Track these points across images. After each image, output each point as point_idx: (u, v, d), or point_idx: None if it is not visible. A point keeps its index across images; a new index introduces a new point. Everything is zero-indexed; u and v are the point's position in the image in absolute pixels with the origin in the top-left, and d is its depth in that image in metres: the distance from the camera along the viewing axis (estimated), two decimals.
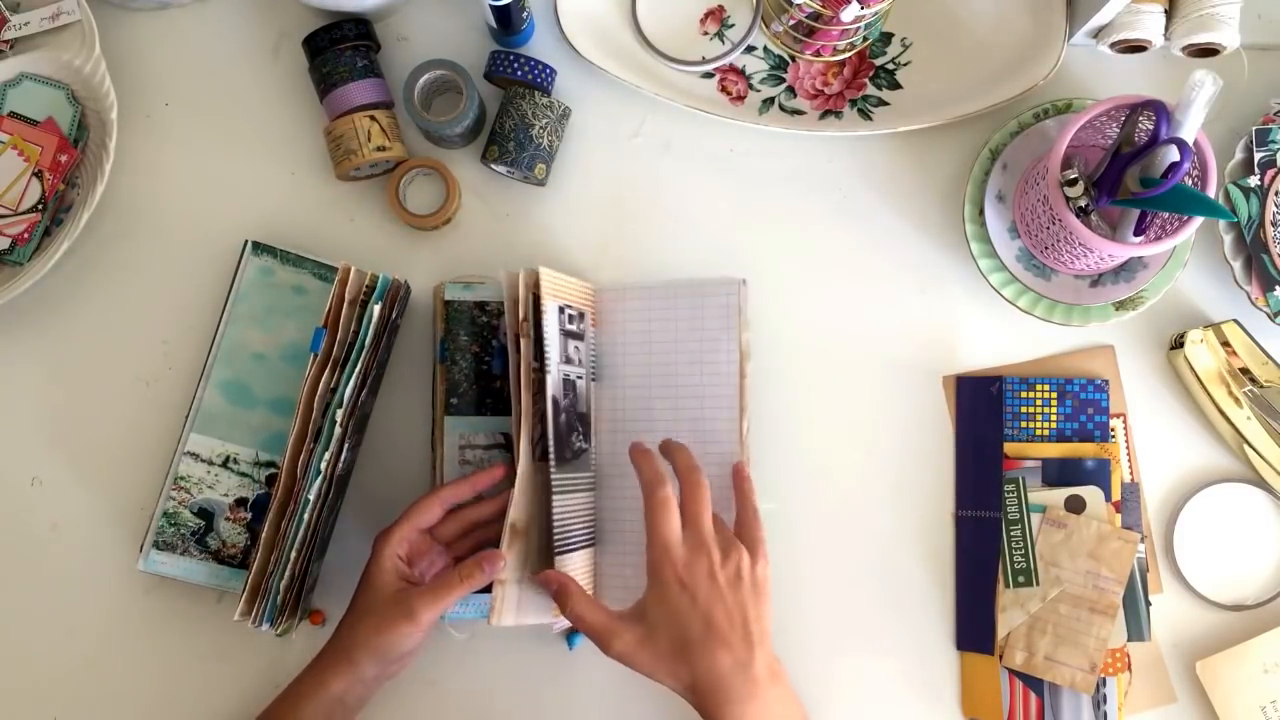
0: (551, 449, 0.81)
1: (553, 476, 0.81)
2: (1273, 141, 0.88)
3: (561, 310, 0.84)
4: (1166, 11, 0.88)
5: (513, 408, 0.82)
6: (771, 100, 0.92)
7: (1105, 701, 0.86)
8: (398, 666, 0.80)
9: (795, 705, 0.76)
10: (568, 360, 0.84)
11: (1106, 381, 0.89)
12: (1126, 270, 0.88)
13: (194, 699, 0.87)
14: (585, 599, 0.78)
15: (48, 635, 0.87)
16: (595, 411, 0.88)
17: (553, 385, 0.82)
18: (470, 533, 0.85)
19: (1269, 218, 0.88)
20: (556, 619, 0.82)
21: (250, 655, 0.87)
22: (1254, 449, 0.87)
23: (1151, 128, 0.79)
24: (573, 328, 0.85)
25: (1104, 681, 0.86)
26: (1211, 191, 0.78)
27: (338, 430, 0.79)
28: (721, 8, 0.93)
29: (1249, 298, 0.88)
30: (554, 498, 0.81)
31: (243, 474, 0.86)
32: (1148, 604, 0.87)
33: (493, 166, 0.89)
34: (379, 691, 0.81)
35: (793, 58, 0.93)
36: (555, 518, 0.82)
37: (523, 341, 0.82)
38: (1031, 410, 0.89)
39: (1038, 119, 0.89)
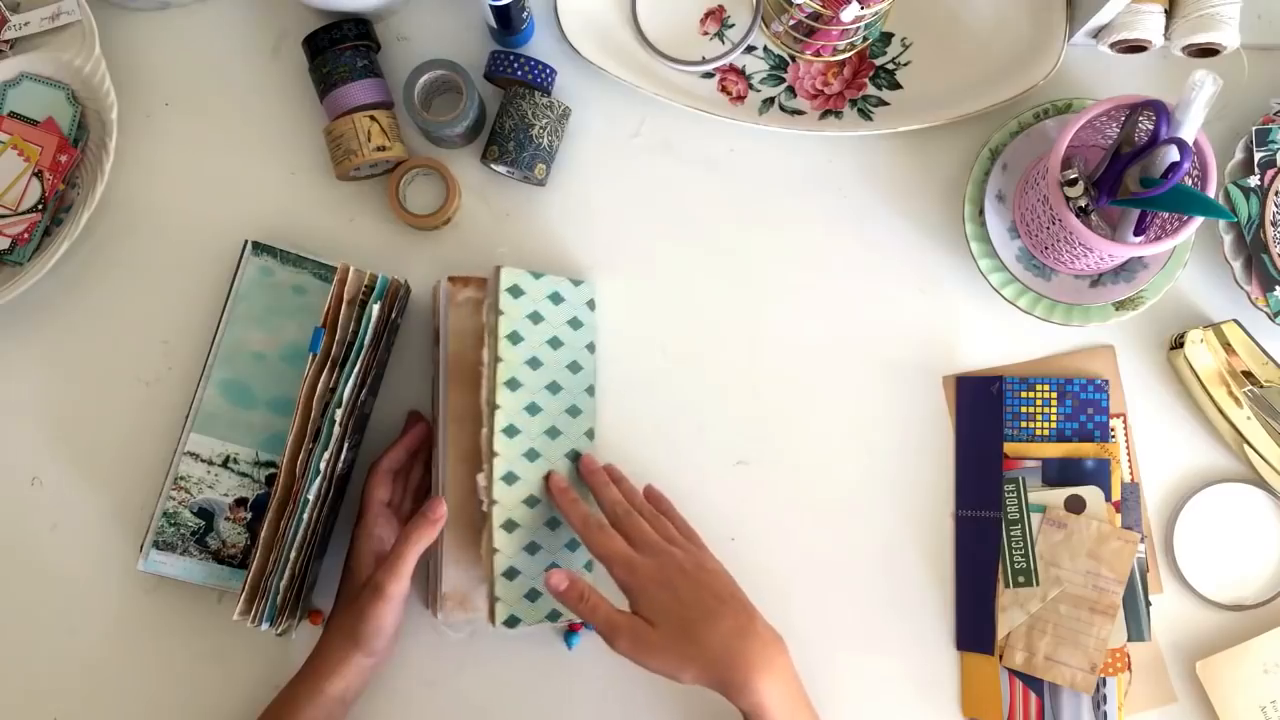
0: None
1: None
2: (1273, 141, 0.88)
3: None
4: (1166, 11, 0.88)
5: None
6: (771, 100, 0.92)
7: (1105, 701, 0.86)
8: (386, 650, 0.81)
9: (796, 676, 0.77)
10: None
11: (1106, 381, 0.89)
12: (1126, 270, 0.88)
13: (194, 699, 0.87)
14: (594, 594, 0.77)
15: (48, 635, 0.87)
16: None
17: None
18: (415, 496, 0.87)
19: (1269, 218, 0.88)
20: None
21: (250, 655, 0.87)
22: (1254, 449, 0.87)
23: (1151, 128, 0.79)
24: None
25: (1104, 681, 0.86)
26: (1211, 191, 0.78)
27: (337, 430, 0.79)
28: (721, 8, 0.93)
29: (1249, 298, 0.88)
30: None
31: (243, 474, 0.86)
32: (1148, 604, 0.87)
33: (493, 166, 0.89)
34: (379, 693, 0.81)
35: (793, 58, 0.93)
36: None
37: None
38: (1031, 410, 0.89)
39: (1038, 119, 0.89)
